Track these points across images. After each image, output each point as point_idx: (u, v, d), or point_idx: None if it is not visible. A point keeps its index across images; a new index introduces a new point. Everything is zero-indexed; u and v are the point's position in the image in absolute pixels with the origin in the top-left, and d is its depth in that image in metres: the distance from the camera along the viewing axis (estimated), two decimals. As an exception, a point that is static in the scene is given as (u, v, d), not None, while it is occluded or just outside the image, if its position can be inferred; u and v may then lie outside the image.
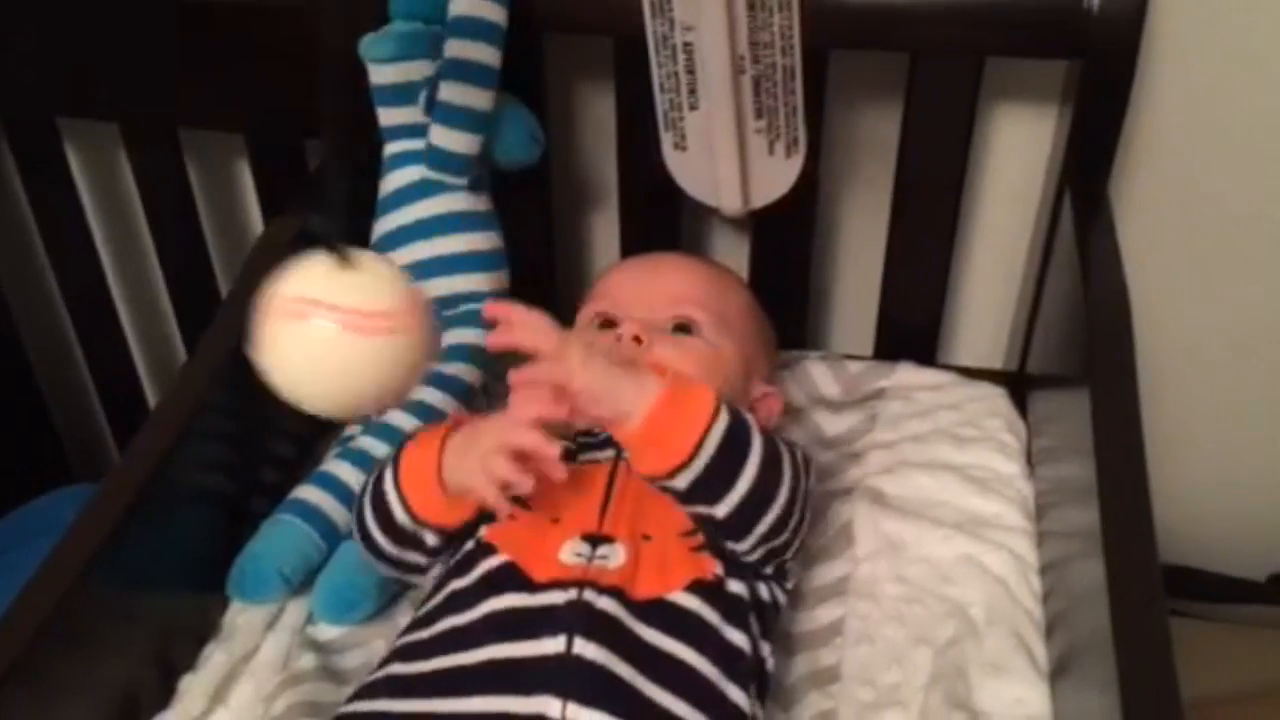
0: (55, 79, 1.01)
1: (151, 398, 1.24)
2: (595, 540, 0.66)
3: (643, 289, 0.82)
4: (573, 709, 0.58)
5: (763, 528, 0.66)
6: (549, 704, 0.58)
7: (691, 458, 0.63)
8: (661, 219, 0.98)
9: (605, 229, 1.05)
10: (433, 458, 0.68)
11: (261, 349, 0.58)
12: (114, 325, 1.17)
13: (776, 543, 0.68)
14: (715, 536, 0.67)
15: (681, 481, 0.64)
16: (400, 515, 0.69)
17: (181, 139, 1.03)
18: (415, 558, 0.71)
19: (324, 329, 0.56)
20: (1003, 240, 1.00)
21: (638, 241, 0.98)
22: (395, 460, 0.70)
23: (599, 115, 0.99)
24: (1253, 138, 0.92)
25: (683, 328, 0.79)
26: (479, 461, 0.64)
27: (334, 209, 0.83)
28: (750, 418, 0.66)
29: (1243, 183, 0.94)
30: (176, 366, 1.22)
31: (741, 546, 0.67)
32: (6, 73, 1.02)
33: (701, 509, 0.65)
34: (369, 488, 0.72)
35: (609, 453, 0.72)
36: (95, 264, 1.13)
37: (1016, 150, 0.95)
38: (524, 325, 0.63)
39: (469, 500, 0.68)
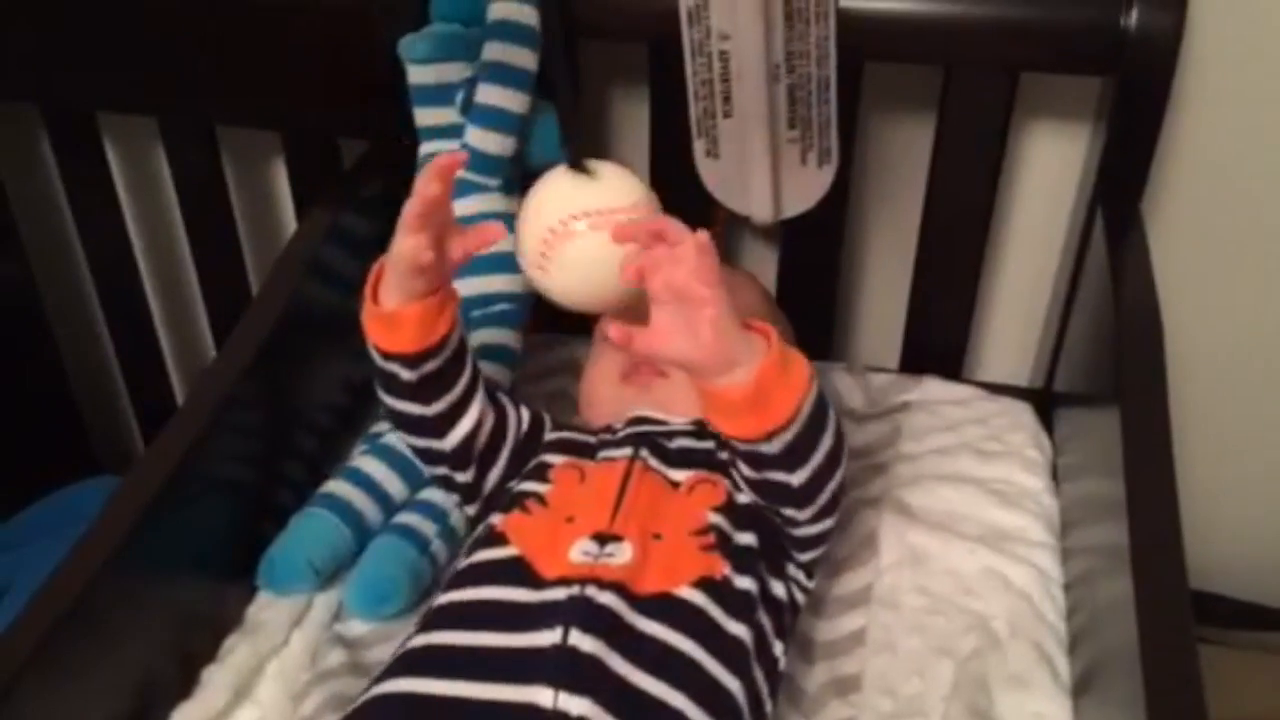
0: (95, 73, 1.02)
1: (179, 392, 1.25)
2: (604, 539, 0.66)
3: None
4: (564, 699, 0.58)
5: (825, 497, 0.67)
6: (541, 693, 0.58)
7: (790, 421, 0.62)
8: (691, 225, 0.97)
9: (634, 235, 1.05)
10: (370, 289, 0.68)
11: (544, 273, 0.66)
12: (145, 318, 1.19)
13: (828, 522, 0.69)
14: (778, 503, 0.67)
15: (776, 445, 0.63)
16: (373, 355, 0.69)
17: (218, 135, 1.04)
18: (412, 408, 0.70)
19: (588, 237, 0.64)
20: (1032, 257, 1.00)
21: (667, 248, 0.98)
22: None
23: (632, 120, 1.00)
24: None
25: None
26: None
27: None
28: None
29: (1278, 201, 0.94)
30: (205, 361, 1.23)
31: (803, 515, 0.67)
32: (47, 66, 1.03)
33: (780, 475, 0.65)
34: None
35: (625, 451, 0.72)
36: (129, 257, 1.15)
37: (1049, 165, 0.95)
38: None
39: (410, 310, 0.66)
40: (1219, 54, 0.87)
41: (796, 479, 0.65)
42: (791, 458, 0.64)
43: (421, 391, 0.70)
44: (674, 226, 0.61)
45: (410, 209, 0.64)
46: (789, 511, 0.67)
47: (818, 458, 0.64)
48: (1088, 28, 0.82)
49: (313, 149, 1.02)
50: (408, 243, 0.64)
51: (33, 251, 1.16)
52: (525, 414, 0.77)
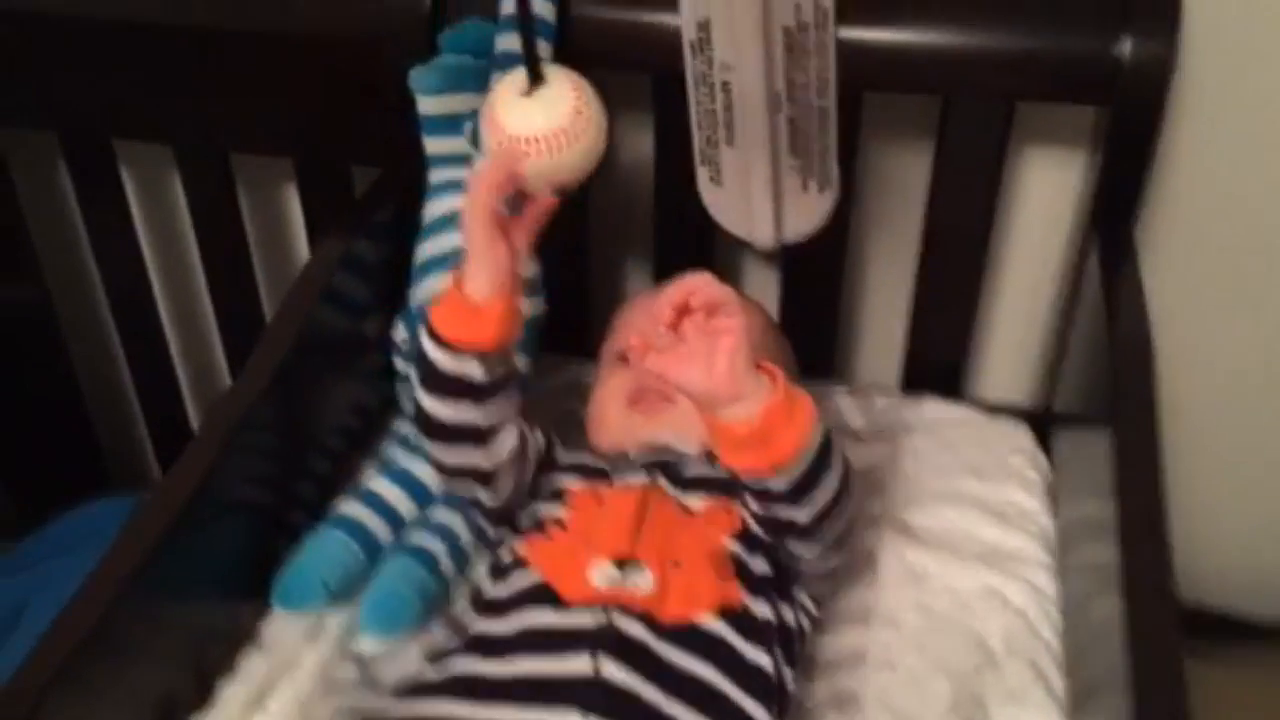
0: (112, 102, 1.05)
1: (193, 412, 1.27)
2: (625, 565, 0.68)
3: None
4: None
5: (832, 535, 0.69)
6: (571, 717, 0.60)
7: (794, 458, 0.64)
8: (695, 250, 1.00)
9: (640, 258, 1.07)
10: (452, 283, 0.70)
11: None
12: (159, 340, 1.21)
13: (835, 559, 0.71)
14: (785, 538, 0.69)
15: (782, 481, 0.65)
16: (441, 359, 0.70)
17: (232, 162, 1.06)
18: (470, 415, 0.71)
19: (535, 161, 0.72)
20: (1030, 279, 1.02)
21: (671, 271, 1.00)
22: (428, 321, 0.72)
23: (637, 147, 1.02)
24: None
25: None
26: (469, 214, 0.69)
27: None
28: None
29: (1270, 229, 0.96)
30: (219, 382, 1.25)
31: (810, 552, 0.69)
32: (65, 94, 1.06)
33: (787, 511, 0.67)
34: (416, 367, 0.73)
35: (641, 476, 0.74)
36: (144, 279, 1.17)
37: (1045, 191, 0.97)
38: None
39: (495, 301, 0.69)
40: (1212, 83, 0.89)
41: (803, 515, 0.67)
42: (797, 494, 0.66)
43: (485, 395, 0.71)
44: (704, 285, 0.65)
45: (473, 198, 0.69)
46: (797, 548, 0.69)
47: (824, 495, 0.67)
48: (1081, 57, 0.84)
49: (325, 174, 1.04)
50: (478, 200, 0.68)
51: (50, 273, 1.19)
52: (539, 436, 0.79)
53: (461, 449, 0.73)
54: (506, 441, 0.73)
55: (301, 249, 1.13)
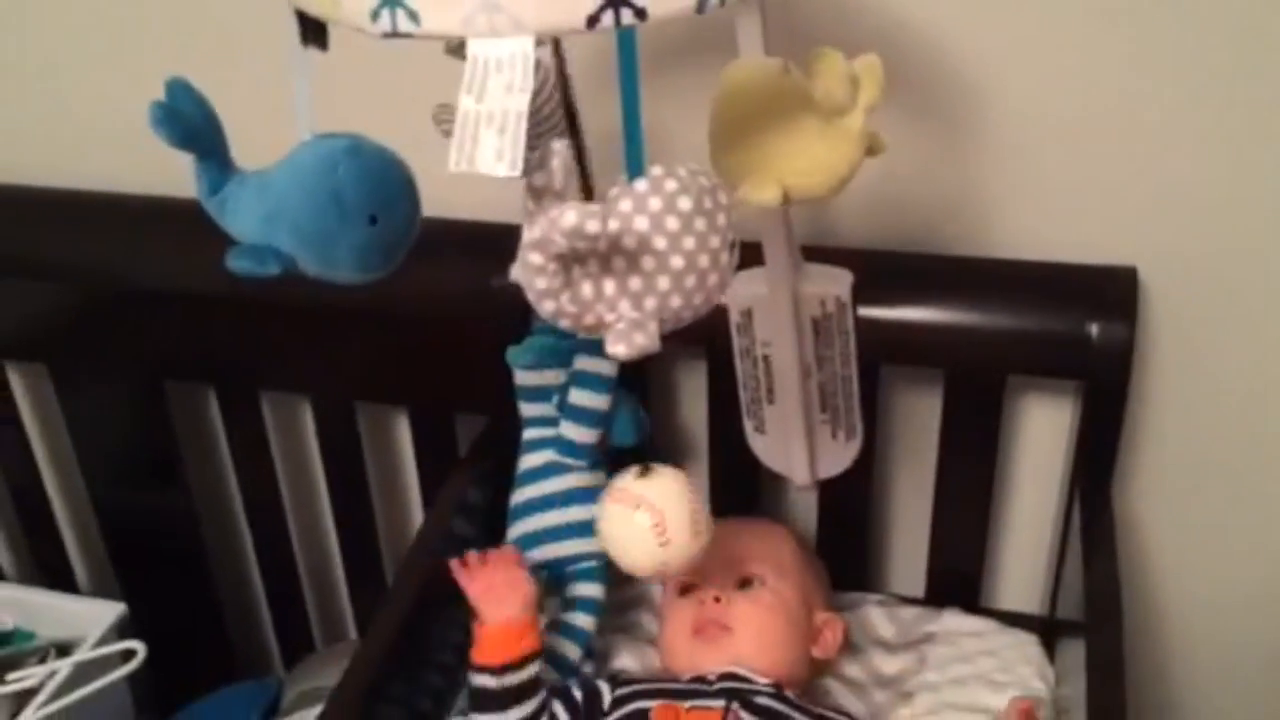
0: (258, 360, 1.26)
1: (313, 612, 1.44)
2: None
3: (711, 556, 1.01)
4: None
5: None
6: None
7: None
8: (745, 484, 1.18)
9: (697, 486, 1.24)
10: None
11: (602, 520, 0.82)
12: (287, 551, 1.39)
13: None
14: None
15: None
16: (490, 683, 0.88)
17: (356, 408, 1.26)
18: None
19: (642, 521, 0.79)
20: (1032, 507, 1.16)
21: (726, 502, 1.17)
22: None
23: (694, 397, 1.19)
24: (1243, 451, 1.10)
25: (748, 582, 0.98)
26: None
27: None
28: None
29: (1240, 485, 1.12)
30: (336, 587, 1.43)
31: None
32: (218, 354, 1.27)
33: None
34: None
35: (719, 702, 0.87)
36: (277, 501, 1.35)
37: (1041, 439, 1.12)
38: None
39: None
40: (1174, 356, 1.05)
41: None
42: None
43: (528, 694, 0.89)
44: None
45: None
46: None
47: None
48: (1058, 337, 0.99)
49: (433, 419, 1.24)
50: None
51: (197, 492, 1.36)
52: (578, 696, 0.93)
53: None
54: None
55: (411, 475, 1.32)
